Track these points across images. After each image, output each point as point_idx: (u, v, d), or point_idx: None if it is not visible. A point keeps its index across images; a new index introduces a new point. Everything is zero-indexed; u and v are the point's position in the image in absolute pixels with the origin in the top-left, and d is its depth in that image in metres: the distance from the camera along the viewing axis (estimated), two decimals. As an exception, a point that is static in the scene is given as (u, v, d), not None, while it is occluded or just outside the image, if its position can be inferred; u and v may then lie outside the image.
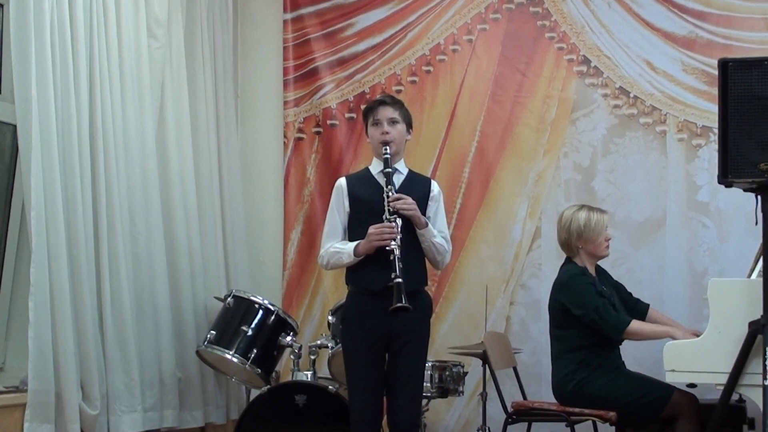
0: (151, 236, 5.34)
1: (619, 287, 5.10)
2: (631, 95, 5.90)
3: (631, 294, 5.13)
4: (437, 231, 4.38)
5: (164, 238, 5.44)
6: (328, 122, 6.40)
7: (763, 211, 4.04)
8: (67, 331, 4.68)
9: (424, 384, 4.62)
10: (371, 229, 4.21)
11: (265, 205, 6.46)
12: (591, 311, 4.71)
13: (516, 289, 6.01)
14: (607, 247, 4.94)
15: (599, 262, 5.04)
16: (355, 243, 4.29)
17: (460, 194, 6.11)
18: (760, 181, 3.99)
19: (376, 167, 4.41)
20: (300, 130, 6.44)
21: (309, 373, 5.20)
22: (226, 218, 6.02)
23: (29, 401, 4.55)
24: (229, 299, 5.38)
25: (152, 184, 5.37)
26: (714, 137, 5.55)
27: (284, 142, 6.45)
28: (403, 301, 4.06)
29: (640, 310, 5.03)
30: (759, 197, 4.06)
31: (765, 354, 3.90)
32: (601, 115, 5.95)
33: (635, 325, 4.74)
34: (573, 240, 4.89)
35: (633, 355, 5.25)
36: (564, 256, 5.04)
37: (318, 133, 6.43)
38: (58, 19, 4.73)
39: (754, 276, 4.38)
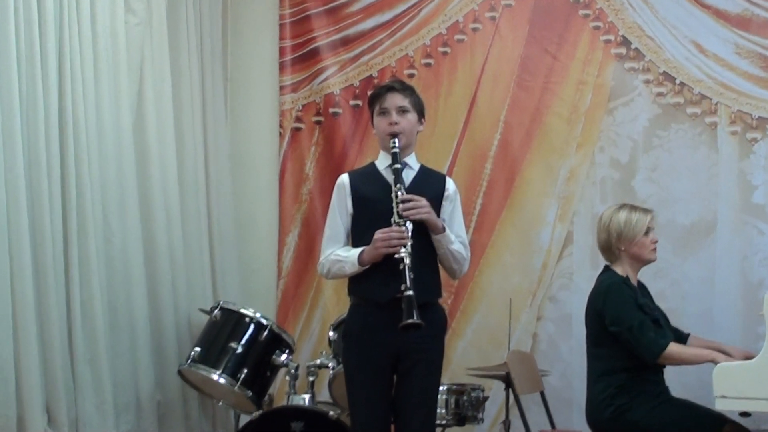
0: (127, 239, 5.36)
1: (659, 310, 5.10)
2: (677, 82, 5.91)
3: (668, 321, 5.13)
4: (455, 235, 4.38)
5: (142, 241, 5.46)
6: (330, 110, 6.42)
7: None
8: (31, 347, 4.69)
9: (438, 410, 4.62)
10: (377, 234, 4.20)
11: (258, 205, 6.48)
12: (625, 330, 4.69)
13: (544, 303, 6.02)
14: (654, 250, 4.92)
15: (640, 276, 5.03)
16: (359, 250, 4.29)
17: (480, 194, 6.12)
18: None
19: (383, 162, 4.40)
20: (298, 119, 6.46)
21: (307, 397, 5.20)
22: (213, 219, 6.05)
23: (-13, 427, 4.58)
24: (215, 312, 5.39)
25: (129, 180, 5.39)
26: (772, 130, 5.57)
27: (280, 133, 6.47)
28: (415, 317, 4.05)
29: (678, 338, 5.02)
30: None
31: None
32: (642, 104, 5.95)
33: (673, 348, 4.72)
34: (613, 241, 4.87)
35: (679, 380, 5.21)
36: (600, 265, 5.03)
37: (318, 122, 6.44)
38: (21, -10, 4.77)
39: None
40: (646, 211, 4.90)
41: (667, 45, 5.93)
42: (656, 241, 4.91)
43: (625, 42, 5.99)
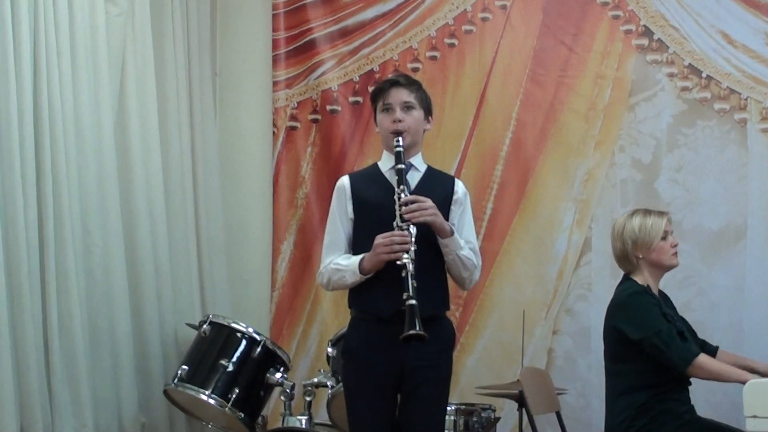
0: (108, 248, 5.34)
1: (683, 321, 5.07)
2: (704, 75, 5.89)
3: (695, 333, 5.10)
4: (464, 241, 4.35)
5: (125, 250, 5.44)
6: (328, 108, 6.42)
7: None
8: (4, 366, 4.67)
9: (446, 432, 4.60)
10: (378, 239, 4.17)
11: (250, 210, 6.46)
12: (652, 335, 4.68)
13: (560, 315, 6.01)
14: (675, 254, 4.91)
15: (663, 286, 5.00)
16: (360, 257, 4.26)
17: (491, 197, 6.12)
18: None
19: (386, 163, 4.38)
20: (293, 118, 6.46)
21: (303, 419, 5.21)
22: (201, 226, 6.04)
23: (-44, 452, 4.57)
24: (204, 327, 5.38)
25: (110, 184, 5.38)
26: (807, 127, 5.56)
27: (273, 132, 6.47)
28: (417, 328, 4.03)
29: (707, 351, 5.00)
30: None
31: None
32: (666, 99, 5.94)
33: (704, 359, 4.71)
34: (630, 249, 4.87)
35: (705, 398, 5.21)
36: (621, 274, 5.00)
37: (315, 120, 6.44)
38: (-8, -22, 4.76)
39: None
40: (661, 213, 4.91)
41: (692, 35, 5.92)
42: (676, 245, 4.91)
43: (647, 32, 5.98)
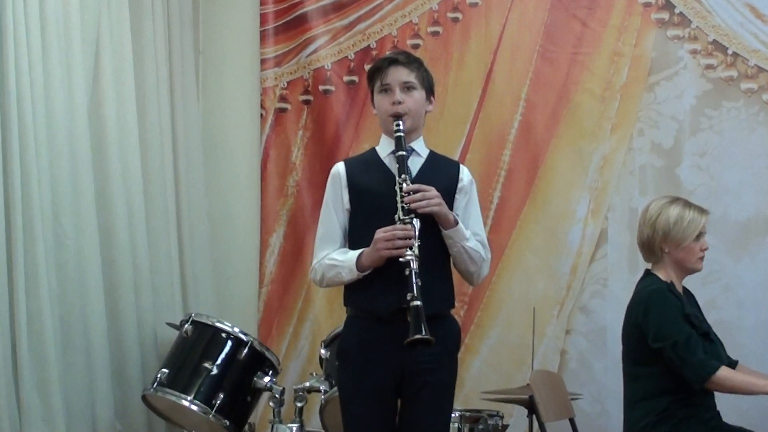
0: (81, 242, 5.34)
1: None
2: (730, 52, 5.90)
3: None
4: (471, 233, 4.36)
5: (100, 243, 5.45)
6: (321, 88, 6.42)
7: None
8: (-31, 370, 4.68)
9: (450, 441, 4.60)
10: (379, 234, 4.16)
11: (236, 200, 6.50)
12: (669, 348, 4.68)
13: (573, 313, 6.02)
14: (702, 258, 4.90)
15: (684, 281, 5.01)
16: (357, 252, 4.26)
17: (498, 185, 6.13)
18: None
19: (385, 148, 4.38)
20: (283, 99, 6.47)
21: (294, 426, 5.22)
22: (182, 217, 6.05)
23: None
24: (186, 326, 5.39)
25: (84, 171, 5.38)
26: (842, 108, 5.58)
27: (261, 115, 6.48)
28: (423, 332, 4.02)
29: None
30: None
31: None
32: (688, 78, 5.95)
33: (725, 372, 4.70)
34: (657, 240, 4.85)
35: (733, 405, 5.19)
36: (640, 268, 5.00)
37: (307, 102, 6.45)
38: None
39: None
40: (702, 211, 4.87)
41: (717, 9, 5.93)
42: (706, 249, 4.89)
43: (668, 5, 5.98)
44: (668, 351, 4.64)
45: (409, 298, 4.03)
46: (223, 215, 6.43)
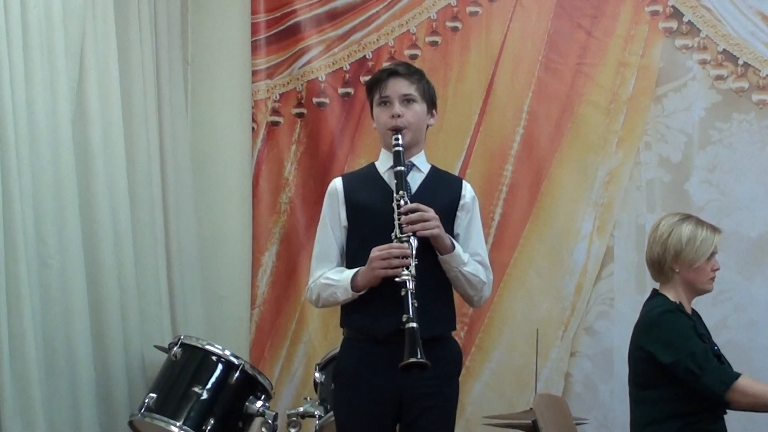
0: (66, 261, 5.33)
1: None
2: (740, 62, 5.92)
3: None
4: (471, 253, 4.35)
5: (85, 264, 5.44)
6: (315, 100, 6.44)
7: None
8: (-52, 395, 4.68)
9: (451, 468, 4.60)
10: (374, 252, 4.17)
11: (226, 217, 6.48)
12: (686, 357, 4.67)
13: (578, 335, 6.03)
14: (713, 279, 4.91)
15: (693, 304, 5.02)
16: (353, 272, 4.27)
17: (499, 202, 6.14)
18: None
19: (384, 163, 4.39)
20: (275, 112, 6.49)
21: (288, 454, 5.20)
22: (170, 235, 6.05)
23: None
24: (175, 349, 5.38)
25: (68, 187, 5.37)
26: None
27: (253, 128, 6.49)
28: (418, 355, 4.02)
29: None
30: None
31: None
32: (697, 89, 5.96)
33: (746, 381, 4.70)
34: (668, 260, 4.85)
35: (744, 428, 5.22)
36: (648, 288, 5.01)
37: (300, 115, 6.46)
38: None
39: None
40: (714, 229, 4.87)
41: (727, 17, 5.95)
42: (717, 269, 4.89)
43: (676, 14, 6.00)
44: (686, 361, 4.63)
45: (404, 320, 4.03)
46: (213, 233, 6.42)
